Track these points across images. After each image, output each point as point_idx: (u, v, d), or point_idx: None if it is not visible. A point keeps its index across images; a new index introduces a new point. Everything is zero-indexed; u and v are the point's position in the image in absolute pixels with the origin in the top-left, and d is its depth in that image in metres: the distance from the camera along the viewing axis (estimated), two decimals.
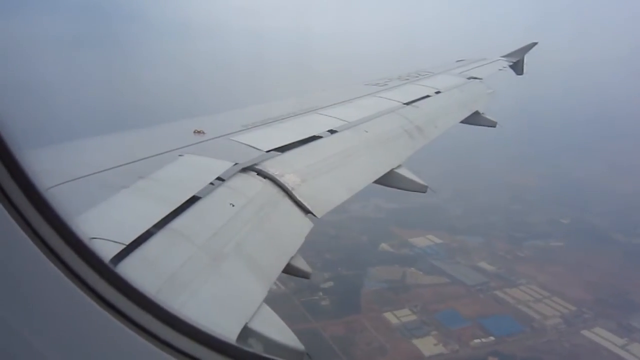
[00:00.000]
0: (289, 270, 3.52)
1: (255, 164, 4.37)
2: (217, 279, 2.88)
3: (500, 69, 11.96)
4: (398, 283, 53.84)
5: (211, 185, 3.83)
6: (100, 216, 2.91)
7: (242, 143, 4.77)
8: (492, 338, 44.57)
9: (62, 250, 1.26)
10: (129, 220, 3.01)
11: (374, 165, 5.52)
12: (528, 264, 58.01)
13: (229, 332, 2.41)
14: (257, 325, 2.62)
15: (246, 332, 2.56)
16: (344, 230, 63.63)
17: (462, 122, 8.27)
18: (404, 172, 5.58)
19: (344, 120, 6.09)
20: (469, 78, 10.22)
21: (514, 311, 48.93)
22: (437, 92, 8.49)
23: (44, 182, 1.28)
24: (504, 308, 49.58)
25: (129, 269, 2.44)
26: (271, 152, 4.74)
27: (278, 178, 4.24)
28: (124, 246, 2.56)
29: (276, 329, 2.75)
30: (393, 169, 5.53)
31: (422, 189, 5.63)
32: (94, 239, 2.44)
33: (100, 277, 1.32)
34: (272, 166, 4.41)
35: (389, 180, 5.45)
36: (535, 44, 13.64)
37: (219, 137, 4.86)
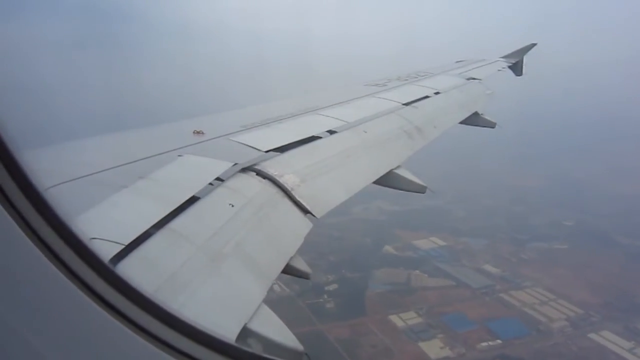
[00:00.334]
0: (289, 270, 3.52)
1: (255, 164, 4.37)
2: (217, 279, 2.88)
3: (499, 70, 11.97)
4: (403, 285, 53.74)
5: (210, 186, 3.83)
6: (100, 216, 2.90)
7: (241, 143, 4.77)
8: (499, 341, 44.38)
9: (62, 251, 1.26)
10: (128, 220, 3.01)
11: (373, 166, 5.53)
12: (532, 266, 57.85)
13: (228, 333, 2.41)
14: (256, 326, 2.62)
15: (245, 333, 2.56)
16: (347, 233, 63.72)
17: (461, 122, 8.27)
18: (403, 172, 5.58)
19: (343, 121, 6.09)
20: (468, 79, 10.23)
21: (520, 314, 48.77)
22: (437, 93, 8.50)
23: (43, 182, 1.28)
24: (510, 311, 49.40)
25: (128, 269, 2.44)
26: (270, 152, 4.74)
27: (277, 178, 4.24)
28: (123, 246, 2.56)
29: (275, 329, 2.75)
30: (392, 169, 5.53)
31: (421, 190, 5.63)
32: (94, 239, 2.44)
33: (99, 277, 1.32)
34: (271, 166, 4.41)
35: (388, 180, 5.45)
36: (534, 44, 13.65)
37: (218, 137, 4.86)
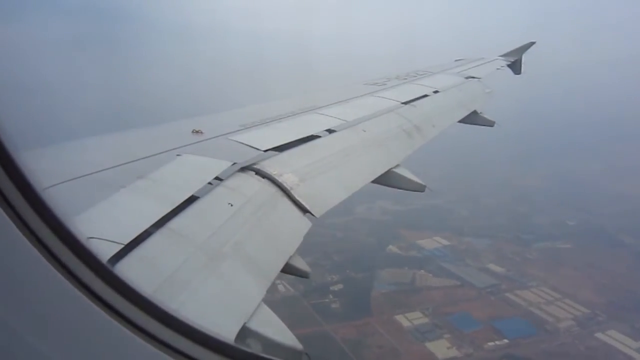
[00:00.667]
0: (288, 269, 3.52)
1: (254, 164, 4.37)
2: (216, 279, 2.88)
3: (498, 69, 11.97)
4: (408, 285, 53.59)
5: (209, 185, 3.83)
6: (98, 216, 2.90)
7: (240, 143, 4.77)
8: (505, 341, 44.15)
9: (60, 251, 1.26)
10: (127, 219, 3.01)
11: (372, 165, 5.53)
12: (537, 265, 57.70)
13: (227, 332, 2.41)
14: (255, 325, 2.62)
15: (245, 332, 2.56)
16: (351, 232, 63.71)
17: (460, 121, 8.27)
18: (402, 171, 5.58)
19: (342, 120, 6.09)
20: (467, 77, 10.22)
21: (526, 314, 48.56)
22: (436, 92, 8.49)
23: (41, 182, 1.28)
24: (516, 310, 49.21)
25: (127, 269, 2.43)
26: (269, 151, 4.74)
27: (276, 177, 4.24)
28: (122, 246, 2.56)
29: (275, 329, 2.75)
30: (391, 168, 5.54)
31: (420, 189, 5.63)
32: (92, 239, 2.44)
33: (98, 277, 1.32)
34: (270, 166, 4.41)
35: (387, 179, 5.46)
36: (533, 43, 13.65)
37: (217, 136, 4.86)
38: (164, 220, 3.04)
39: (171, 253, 2.84)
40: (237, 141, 4.79)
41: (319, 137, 5.52)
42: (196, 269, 2.82)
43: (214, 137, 4.81)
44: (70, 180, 3.25)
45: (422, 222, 67.21)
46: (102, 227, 2.72)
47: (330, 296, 50.70)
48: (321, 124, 5.82)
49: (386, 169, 5.48)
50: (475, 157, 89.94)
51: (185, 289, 2.60)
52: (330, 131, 5.74)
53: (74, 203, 2.94)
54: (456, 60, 12.37)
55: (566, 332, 45.72)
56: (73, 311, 1.26)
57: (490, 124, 8.83)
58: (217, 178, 3.96)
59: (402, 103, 7.41)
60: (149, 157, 4.00)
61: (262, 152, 4.66)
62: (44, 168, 3.33)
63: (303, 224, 3.99)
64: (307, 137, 5.33)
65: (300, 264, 3.65)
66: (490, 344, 43.89)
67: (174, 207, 3.22)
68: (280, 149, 4.87)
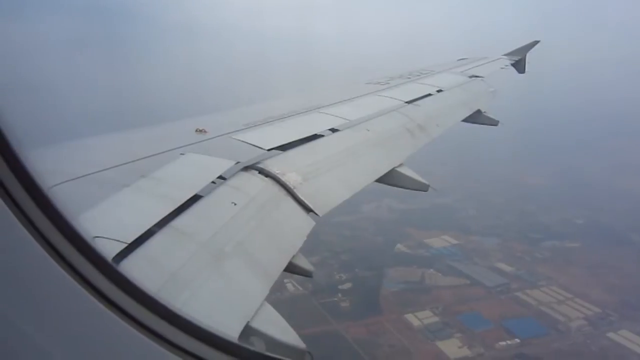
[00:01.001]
0: (291, 268, 3.52)
1: (257, 163, 4.37)
2: (219, 278, 2.88)
3: (502, 68, 11.92)
4: (417, 284, 53.47)
5: (213, 184, 3.83)
6: (103, 215, 2.91)
7: (243, 142, 4.77)
8: (517, 340, 43.92)
9: (65, 249, 1.26)
10: (131, 218, 3.01)
11: (376, 164, 5.52)
12: (547, 264, 57.40)
13: (230, 331, 2.42)
14: (259, 324, 2.63)
15: (248, 331, 2.57)
16: (359, 231, 63.76)
17: (463, 120, 8.24)
18: (405, 170, 5.57)
19: (346, 119, 6.09)
20: (470, 77, 10.19)
21: (537, 313, 48.32)
22: (439, 91, 8.47)
23: (46, 181, 1.29)
24: (527, 310, 48.97)
25: (131, 268, 2.44)
26: (273, 150, 4.74)
27: (280, 177, 4.25)
28: (126, 245, 2.57)
29: (278, 327, 2.76)
30: (395, 167, 5.53)
31: (423, 188, 5.62)
32: (97, 238, 2.45)
33: (102, 275, 1.32)
34: (273, 165, 4.41)
35: (390, 179, 5.45)
36: (537, 42, 13.59)
37: (220, 135, 4.86)
38: (167, 219, 3.04)
39: (175, 252, 2.85)
40: (240, 140, 4.80)
41: (323, 136, 5.52)
42: (200, 267, 2.83)
43: (217, 136, 4.82)
44: (74, 180, 3.26)
45: (429, 220, 67.06)
46: (106, 226, 2.72)
47: (340, 295, 50.62)
48: (324, 123, 5.81)
49: (390, 169, 5.47)
50: (480, 157, 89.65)
51: (189, 288, 2.60)
52: (333, 130, 5.74)
53: (79, 202, 2.95)
54: (460, 59, 12.34)
55: (578, 332, 45.38)
56: (79, 309, 1.27)
57: (494, 123, 8.80)
58: (220, 177, 3.97)
59: (406, 102, 7.39)
60: (152, 156, 4.01)
61: (266, 151, 4.66)
62: (48, 167, 3.34)
63: (306, 223, 3.99)
64: (311, 136, 5.33)
65: (304, 262, 3.65)
66: (502, 343, 43.66)
67: (177, 206, 3.22)
68: (283, 148, 4.86)
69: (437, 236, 63.94)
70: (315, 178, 4.54)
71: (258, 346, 2.54)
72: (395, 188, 5.52)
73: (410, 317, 47.46)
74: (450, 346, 43.15)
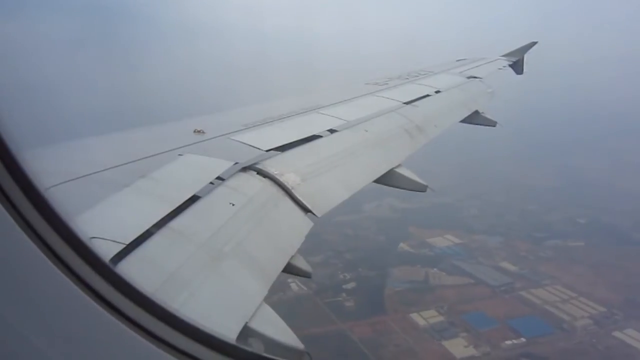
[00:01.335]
0: (290, 269, 3.51)
1: (255, 163, 4.37)
2: (217, 279, 2.88)
3: (500, 69, 11.95)
4: (421, 283, 53.44)
5: (211, 185, 3.83)
6: (100, 215, 2.91)
7: (242, 142, 4.77)
8: (523, 339, 43.81)
9: (62, 250, 1.26)
10: (128, 219, 3.01)
11: (374, 165, 5.52)
12: (550, 264, 57.33)
13: (229, 332, 2.41)
14: (257, 325, 2.62)
15: (246, 332, 2.56)
16: (361, 231, 63.74)
17: (461, 121, 8.26)
18: (403, 171, 5.58)
19: (344, 120, 6.09)
20: (468, 77, 10.21)
21: (542, 312, 48.23)
22: (437, 92, 8.48)
23: (43, 181, 1.28)
24: (531, 309, 48.86)
25: (128, 269, 2.44)
26: (271, 151, 4.74)
27: (278, 177, 4.24)
28: (124, 246, 2.56)
29: (276, 328, 2.75)
30: (393, 168, 5.53)
31: (421, 189, 5.63)
32: (94, 239, 2.44)
33: (100, 276, 1.32)
34: (272, 165, 4.41)
35: (388, 179, 5.45)
36: (535, 43, 13.62)
37: (219, 136, 4.86)
38: (165, 219, 3.04)
39: (173, 253, 2.84)
40: (238, 141, 4.80)
41: (321, 137, 5.52)
42: (198, 268, 2.82)
43: (215, 137, 4.82)
44: (72, 180, 3.26)
45: (431, 220, 67.06)
46: (104, 226, 2.72)
47: (344, 294, 50.52)
48: (323, 124, 5.82)
49: (388, 169, 5.47)
50: (479, 157, 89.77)
51: (187, 289, 2.60)
52: (332, 131, 5.74)
53: (76, 202, 2.94)
54: (458, 60, 12.35)
55: (583, 331, 45.26)
56: (75, 310, 1.26)
57: (492, 124, 8.82)
58: (218, 178, 3.97)
59: (404, 103, 7.40)
60: (150, 156, 4.00)
61: (264, 152, 4.66)
62: (46, 167, 3.34)
63: (305, 224, 3.99)
64: (309, 137, 5.33)
65: (302, 263, 3.65)
66: (508, 342, 43.55)
67: (175, 206, 3.22)
68: (282, 148, 4.86)
69: (440, 235, 63.89)
70: (313, 179, 4.54)
71: (256, 347, 2.53)
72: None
73: (415, 316, 47.38)
74: (456, 346, 43.05)
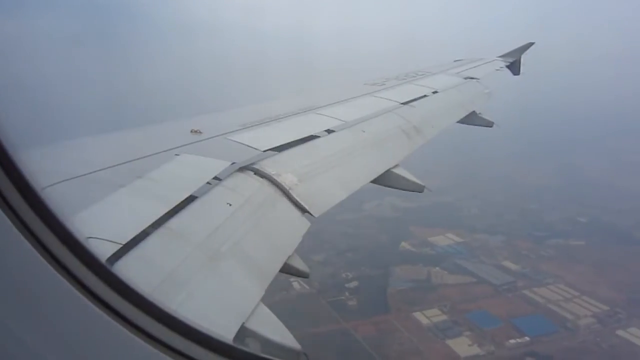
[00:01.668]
0: (287, 269, 3.51)
1: (253, 164, 4.36)
2: (214, 279, 2.88)
3: (497, 69, 11.97)
4: (424, 282, 53.27)
5: (208, 185, 3.83)
6: (97, 215, 2.90)
7: (239, 142, 4.76)
8: (527, 338, 43.73)
9: (58, 250, 1.25)
10: (125, 219, 3.00)
11: (371, 165, 5.53)
12: (552, 263, 57.21)
13: (226, 332, 2.41)
14: (254, 325, 2.62)
15: (243, 332, 2.56)
16: (362, 229, 63.51)
17: (459, 122, 8.28)
18: (401, 171, 5.58)
19: (342, 120, 6.09)
20: (466, 78, 10.23)
21: (545, 311, 48.12)
22: (435, 92, 8.50)
23: (40, 181, 1.28)
24: (534, 308, 48.78)
25: (125, 269, 2.43)
26: (268, 151, 4.74)
27: (275, 177, 4.24)
28: (121, 246, 2.55)
29: (273, 328, 2.75)
30: (390, 168, 5.54)
31: (419, 189, 5.64)
32: (91, 239, 2.44)
33: (96, 277, 1.31)
34: (269, 166, 4.41)
35: (386, 180, 5.46)
36: (532, 44, 13.66)
37: (216, 136, 4.86)
38: (162, 220, 3.03)
39: (170, 253, 2.84)
40: (236, 141, 4.79)
41: (318, 137, 5.52)
42: (195, 268, 2.82)
43: (212, 137, 4.81)
44: (69, 180, 3.25)
45: (432, 219, 66.92)
46: (100, 226, 2.71)
47: (347, 293, 50.38)
48: (320, 124, 5.82)
49: (385, 169, 5.48)
50: (477, 157, 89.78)
51: (183, 289, 2.59)
52: (329, 131, 5.74)
53: (73, 202, 2.93)
54: (455, 61, 12.38)
55: (587, 330, 45.15)
56: (71, 311, 1.26)
57: (489, 124, 8.84)
58: (215, 178, 3.96)
59: (401, 103, 7.41)
60: (147, 156, 3.99)
61: (261, 152, 4.66)
62: (42, 167, 3.32)
63: (302, 224, 3.99)
64: (306, 137, 5.33)
65: (299, 263, 3.64)
66: (512, 341, 43.45)
67: (172, 206, 3.21)
68: (279, 149, 4.86)
69: (441, 234, 63.71)
70: (311, 179, 4.54)
71: (253, 347, 2.53)
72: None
73: (418, 315, 47.22)
74: (461, 344, 42.91)
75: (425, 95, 8.16)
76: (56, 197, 1.42)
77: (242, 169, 4.24)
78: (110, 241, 2.55)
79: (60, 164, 3.67)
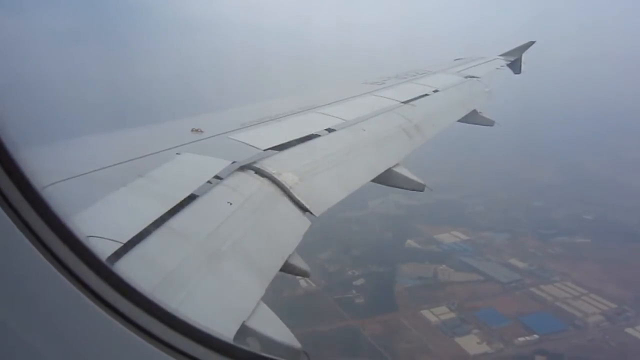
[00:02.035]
0: (287, 269, 3.51)
1: (253, 163, 4.36)
2: (215, 278, 2.88)
3: (497, 68, 11.95)
4: (430, 280, 53.20)
5: (209, 184, 3.83)
6: (98, 214, 2.90)
7: (240, 141, 4.76)
8: (536, 336, 43.67)
9: (59, 249, 1.26)
10: (126, 218, 3.01)
11: (372, 164, 5.53)
12: (559, 260, 57.13)
13: (226, 331, 2.41)
14: (254, 324, 2.62)
15: (244, 331, 2.56)
16: (368, 227, 63.48)
17: (459, 120, 8.27)
18: (401, 170, 5.58)
19: (342, 119, 6.09)
20: (466, 77, 10.21)
21: (553, 309, 48.09)
22: (435, 91, 8.49)
23: (41, 180, 1.28)
24: (542, 306, 48.71)
25: (126, 268, 2.43)
26: (269, 150, 4.74)
27: (276, 176, 4.24)
28: (121, 244, 2.56)
29: (274, 327, 2.75)
30: (391, 167, 5.54)
31: (419, 188, 5.64)
32: (91, 237, 2.44)
33: (97, 275, 1.32)
34: (269, 165, 4.41)
35: (386, 179, 5.46)
36: (532, 42, 13.62)
37: (216, 135, 4.86)
38: (163, 218, 3.03)
39: (170, 252, 2.84)
40: (236, 140, 4.79)
41: (319, 136, 5.52)
42: (195, 267, 2.82)
43: (213, 136, 4.81)
44: (70, 179, 3.25)
45: (437, 216, 66.83)
46: (101, 225, 2.71)
47: (354, 291, 50.30)
48: (321, 123, 5.82)
49: (386, 168, 5.48)
50: (480, 156, 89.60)
51: (184, 288, 2.60)
52: (330, 130, 5.74)
53: (74, 201, 2.94)
54: (456, 60, 12.36)
55: (596, 327, 45.12)
56: (72, 309, 1.26)
57: (489, 123, 8.82)
58: (216, 177, 3.96)
59: (402, 102, 7.40)
60: (148, 155, 3.99)
61: (262, 151, 4.66)
62: (43, 166, 3.33)
63: (302, 223, 3.99)
64: (307, 136, 5.33)
65: (300, 263, 3.65)
66: (521, 339, 43.40)
67: (173, 205, 3.22)
68: (279, 148, 4.86)
69: (447, 232, 63.69)
70: (311, 178, 4.54)
71: (254, 346, 2.53)
72: None
73: (426, 313, 47.13)
74: (469, 342, 42.86)
75: (425, 94, 8.15)
76: (57, 196, 1.42)
77: (243, 168, 4.24)
78: (111, 240, 2.56)
79: (60, 162, 3.67)
